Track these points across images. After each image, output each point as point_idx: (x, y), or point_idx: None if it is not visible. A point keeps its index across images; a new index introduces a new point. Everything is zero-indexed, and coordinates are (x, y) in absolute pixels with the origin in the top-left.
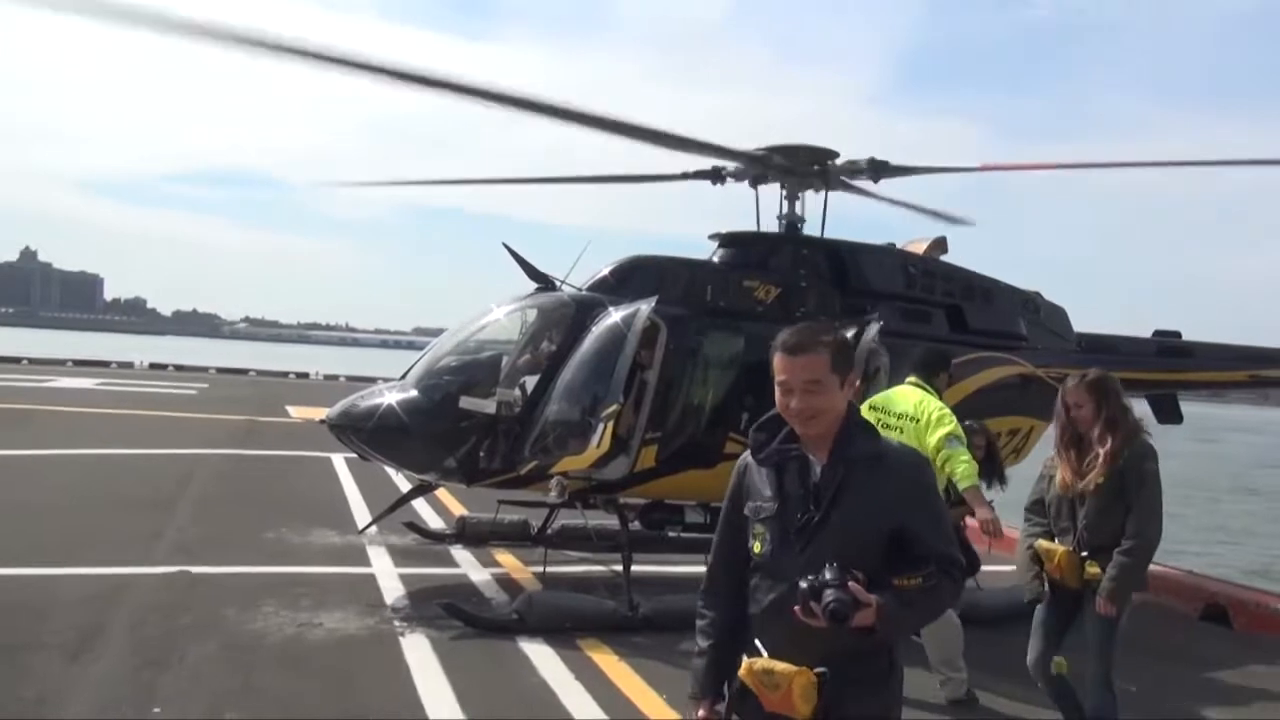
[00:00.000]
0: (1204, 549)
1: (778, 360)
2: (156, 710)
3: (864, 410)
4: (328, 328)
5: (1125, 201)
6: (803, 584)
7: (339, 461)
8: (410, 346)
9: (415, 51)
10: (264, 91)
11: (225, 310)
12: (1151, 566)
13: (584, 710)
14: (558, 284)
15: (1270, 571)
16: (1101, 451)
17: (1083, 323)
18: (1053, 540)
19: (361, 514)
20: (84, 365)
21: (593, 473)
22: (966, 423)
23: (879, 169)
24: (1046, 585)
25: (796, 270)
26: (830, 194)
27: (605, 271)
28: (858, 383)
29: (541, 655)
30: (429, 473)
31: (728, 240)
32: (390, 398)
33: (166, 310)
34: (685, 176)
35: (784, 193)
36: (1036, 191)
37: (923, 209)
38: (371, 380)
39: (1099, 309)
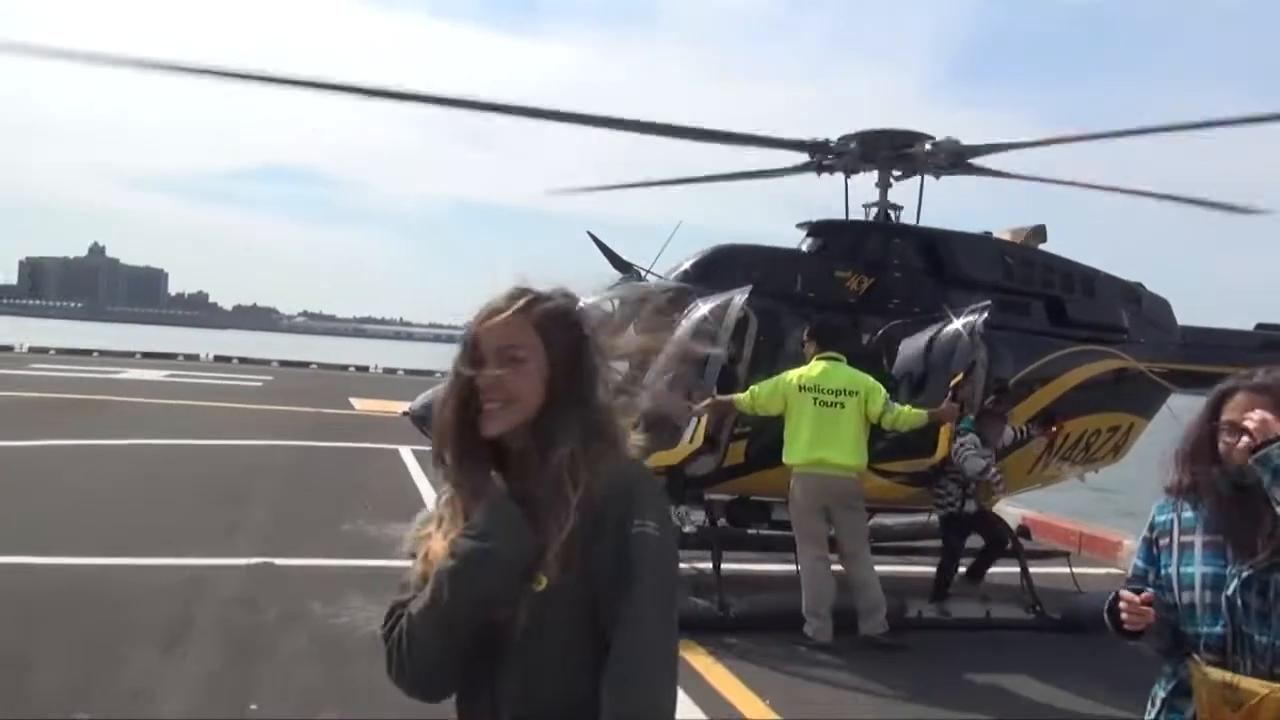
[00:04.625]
0: None
1: None
2: (253, 707)
3: (791, 386)
4: (383, 321)
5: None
6: None
7: (407, 454)
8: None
9: (465, 48)
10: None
11: (283, 304)
12: None
13: (686, 712)
14: (643, 274)
15: None
16: None
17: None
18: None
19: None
20: (152, 357)
21: (684, 468)
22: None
23: (964, 152)
24: None
25: (888, 259)
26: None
27: (691, 261)
28: (960, 377)
29: None
30: None
31: (817, 229)
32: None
33: (227, 305)
34: (783, 172)
35: (876, 180)
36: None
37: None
38: (430, 374)
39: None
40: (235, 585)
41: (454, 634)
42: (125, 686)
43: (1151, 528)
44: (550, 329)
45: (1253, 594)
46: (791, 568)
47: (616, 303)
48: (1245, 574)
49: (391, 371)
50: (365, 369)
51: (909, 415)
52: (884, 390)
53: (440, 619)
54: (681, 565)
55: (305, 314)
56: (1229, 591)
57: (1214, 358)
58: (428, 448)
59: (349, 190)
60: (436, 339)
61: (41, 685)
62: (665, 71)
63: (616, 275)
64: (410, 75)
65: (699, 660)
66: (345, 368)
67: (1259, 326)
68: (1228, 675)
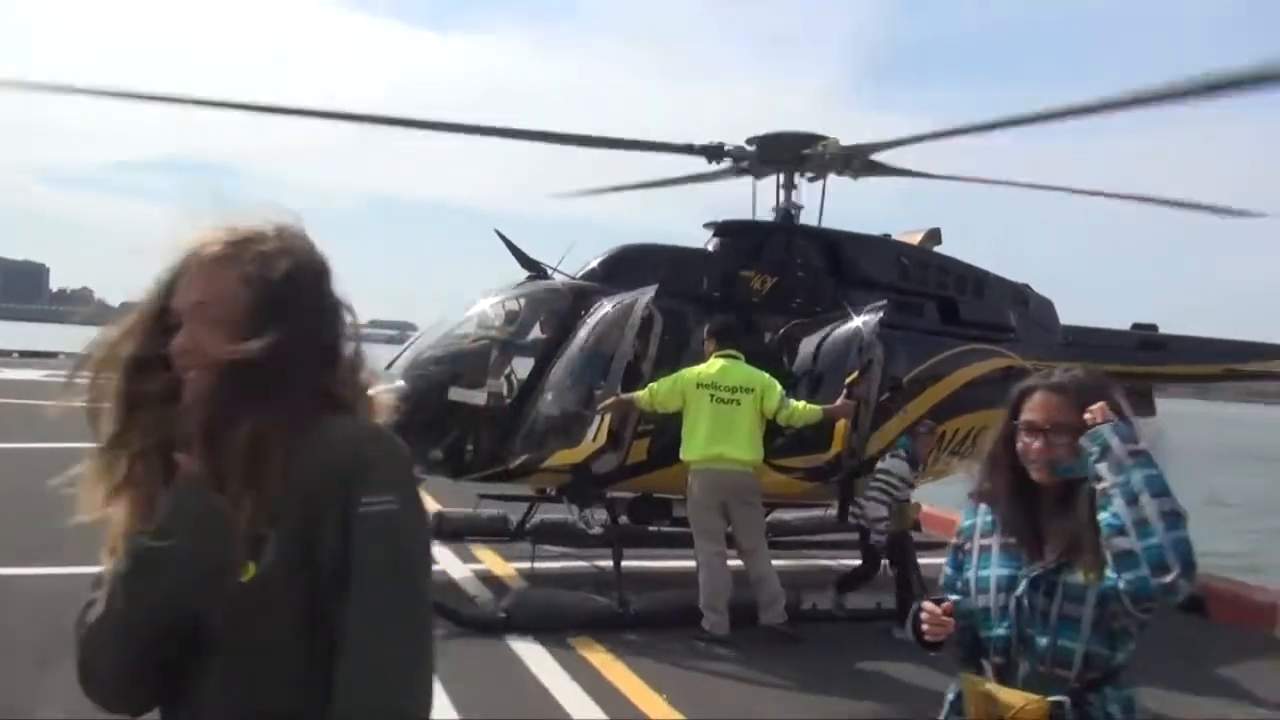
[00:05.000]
0: None
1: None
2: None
3: (689, 384)
4: None
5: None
6: None
7: None
8: (365, 338)
9: (379, 44)
10: (221, 80)
11: None
12: None
13: (585, 711)
14: (550, 272)
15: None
16: None
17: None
18: None
19: None
20: (31, 357)
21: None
22: (924, 424)
23: (856, 152)
24: None
25: (791, 260)
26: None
27: (598, 260)
28: (855, 375)
29: (534, 655)
30: (416, 466)
31: (722, 229)
32: (373, 388)
33: (114, 301)
34: (690, 150)
35: (779, 181)
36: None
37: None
38: None
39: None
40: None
41: (135, 640)
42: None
43: (959, 533)
44: (257, 278)
45: (1039, 595)
46: (690, 564)
47: (521, 300)
48: (1034, 575)
49: None
50: None
51: (804, 411)
52: (779, 387)
53: (118, 626)
54: (583, 563)
55: None
56: (1018, 592)
57: (1095, 356)
58: None
59: (254, 184)
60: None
61: None
62: (597, 69)
63: (524, 274)
64: (324, 72)
65: (598, 658)
66: None
67: (1135, 326)
68: (990, 686)
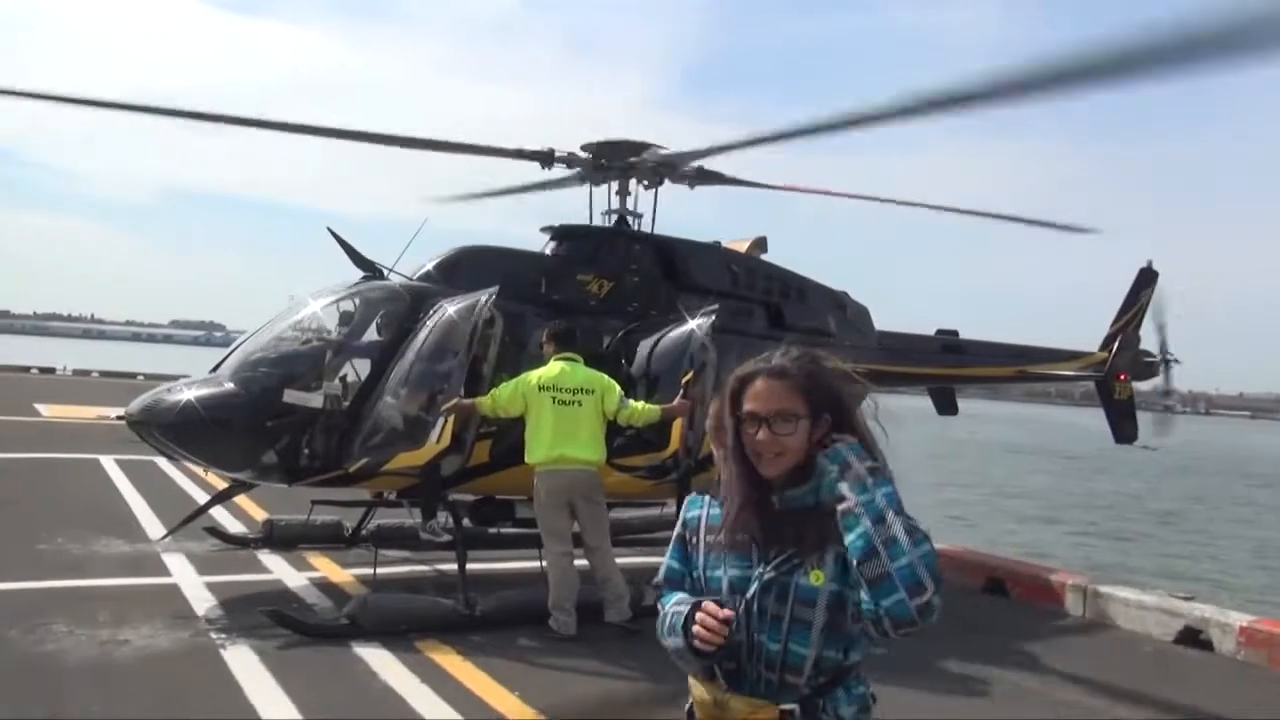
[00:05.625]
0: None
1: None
2: None
3: (531, 387)
4: (70, 318)
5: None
6: None
7: (109, 463)
8: (167, 340)
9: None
10: (10, 59)
11: None
12: (940, 545)
13: (436, 711)
14: (386, 273)
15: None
16: None
17: None
18: None
19: (148, 519)
20: None
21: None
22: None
23: (696, 171)
24: None
25: (627, 265)
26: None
27: (435, 262)
28: (690, 374)
29: (380, 659)
30: (245, 471)
31: (560, 233)
32: (202, 391)
33: None
34: (521, 155)
35: (614, 188)
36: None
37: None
38: (131, 376)
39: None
40: None
41: None
42: None
43: (684, 524)
44: None
45: (771, 599)
46: (534, 564)
47: (357, 300)
48: (766, 577)
49: (84, 373)
50: (51, 370)
51: (643, 411)
52: (619, 388)
53: None
54: (424, 567)
55: None
56: (748, 595)
57: (905, 359)
58: (132, 456)
59: (40, 171)
60: (134, 337)
61: None
62: (413, 65)
63: (359, 273)
64: (117, 53)
65: (447, 659)
66: (27, 369)
67: (939, 332)
68: (719, 694)
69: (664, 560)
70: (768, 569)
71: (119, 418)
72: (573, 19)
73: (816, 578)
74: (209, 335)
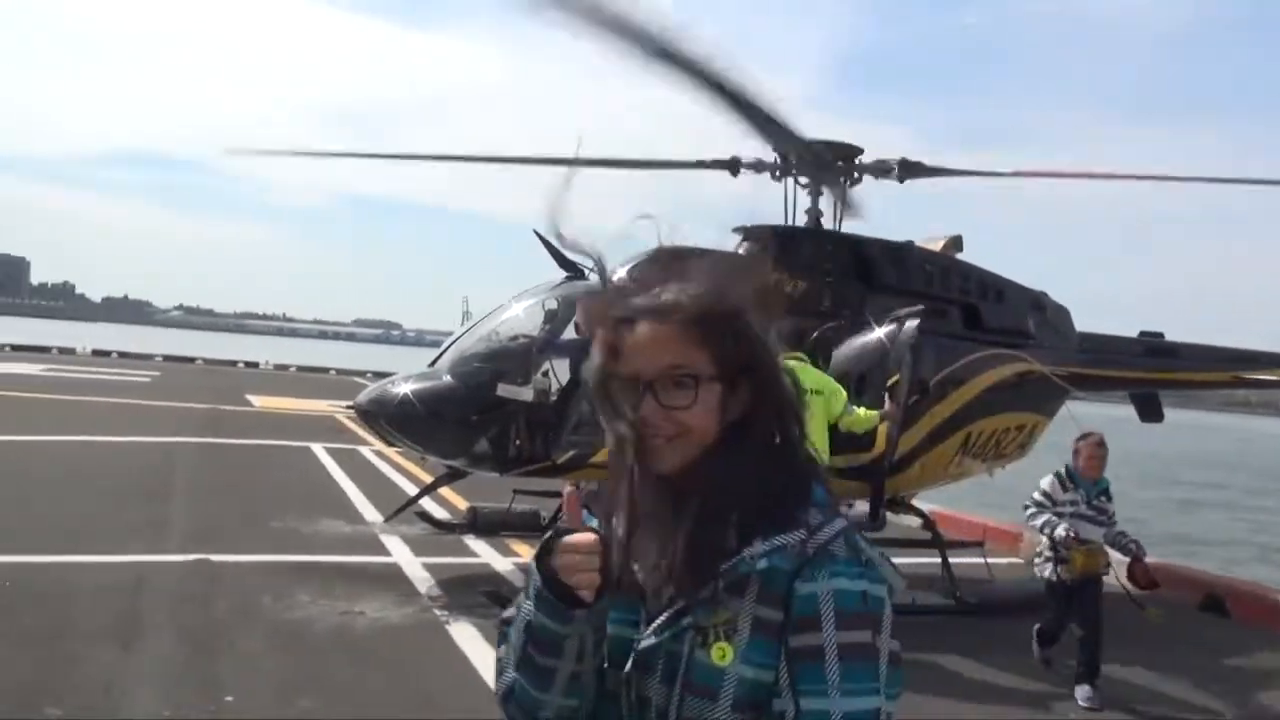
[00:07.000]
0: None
1: None
2: (229, 699)
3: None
4: (264, 317)
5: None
6: None
7: (320, 450)
8: (350, 338)
9: (361, 38)
10: (189, 76)
11: (157, 297)
12: (1151, 559)
13: None
14: (587, 273)
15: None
16: None
17: None
18: None
19: (360, 502)
20: (23, 350)
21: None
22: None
23: (909, 169)
24: None
25: (821, 265)
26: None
27: (636, 263)
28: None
29: None
30: (460, 459)
31: (752, 234)
32: (423, 384)
33: (96, 296)
34: (701, 165)
35: (808, 188)
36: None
37: None
38: (323, 371)
39: None
40: (177, 581)
41: None
42: (96, 682)
43: None
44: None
45: (654, 679)
46: None
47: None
48: (644, 644)
49: (283, 368)
50: (255, 365)
51: (864, 419)
52: (844, 394)
53: None
54: None
55: (182, 308)
56: (624, 672)
57: (1107, 362)
58: (341, 445)
59: (229, 181)
60: (321, 335)
61: (6, 683)
62: (569, 71)
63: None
64: (313, 69)
65: None
66: (234, 363)
67: (1142, 334)
68: None
69: None
70: (648, 630)
71: (349, 407)
72: (724, 26)
73: (720, 653)
74: (388, 333)
